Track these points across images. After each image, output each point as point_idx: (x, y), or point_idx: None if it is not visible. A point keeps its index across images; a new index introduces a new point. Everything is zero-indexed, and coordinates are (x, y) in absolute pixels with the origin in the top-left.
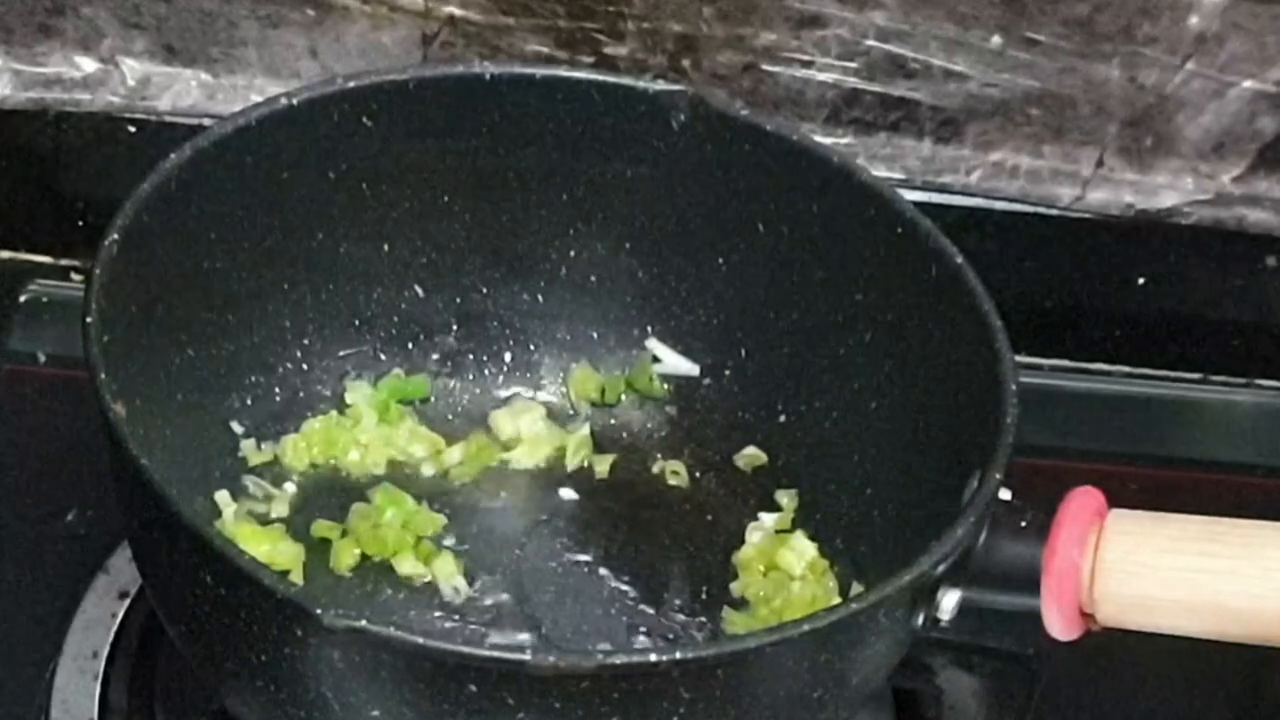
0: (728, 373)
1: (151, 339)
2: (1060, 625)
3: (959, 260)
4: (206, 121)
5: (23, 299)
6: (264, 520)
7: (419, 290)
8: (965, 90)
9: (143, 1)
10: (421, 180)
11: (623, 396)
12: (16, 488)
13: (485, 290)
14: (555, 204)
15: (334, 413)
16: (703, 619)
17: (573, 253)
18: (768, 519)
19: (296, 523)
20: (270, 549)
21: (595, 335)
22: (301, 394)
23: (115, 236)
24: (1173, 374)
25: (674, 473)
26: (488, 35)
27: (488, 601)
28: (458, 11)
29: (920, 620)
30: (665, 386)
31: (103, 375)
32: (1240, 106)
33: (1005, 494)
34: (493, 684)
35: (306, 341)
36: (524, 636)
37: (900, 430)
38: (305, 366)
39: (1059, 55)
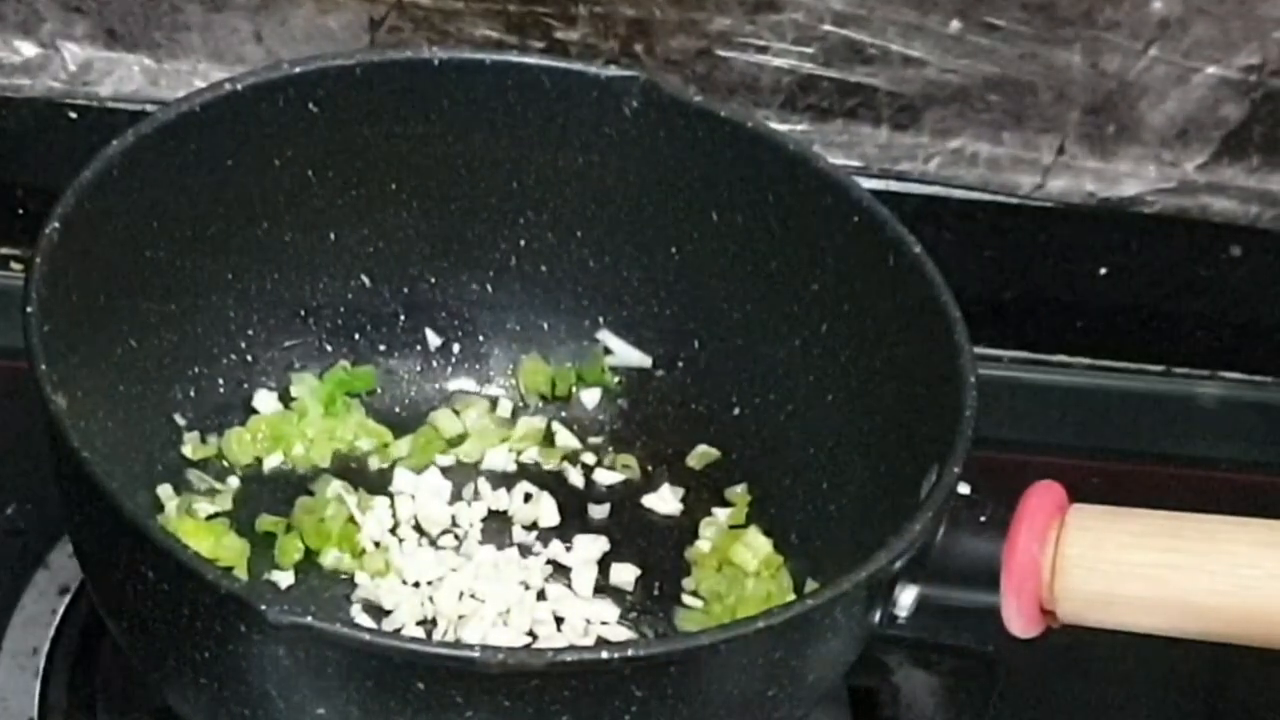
0: (681, 364)
1: (93, 329)
2: (1020, 622)
3: (917, 250)
4: (149, 107)
5: None
6: (207, 515)
7: (365, 280)
8: (923, 76)
9: None
10: (368, 168)
11: (573, 388)
12: None
13: (433, 280)
14: (505, 192)
15: (279, 405)
16: (655, 615)
17: (522, 242)
18: (721, 514)
19: (240, 517)
20: (214, 544)
21: (545, 326)
22: (245, 386)
23: (56, 225)
24: (1135, 366)
25: (625, 466)
26: (436, 20)
27: None
28: None
29: (877, 617)
30: (617, 378)
31: (43, 366)
32: (1204, 93)
33: (964, 488)
34: (441, 681)
35: (251, 332)
36: None
37: (857, 423)
38: (250, 358)
39: (1019, 40)
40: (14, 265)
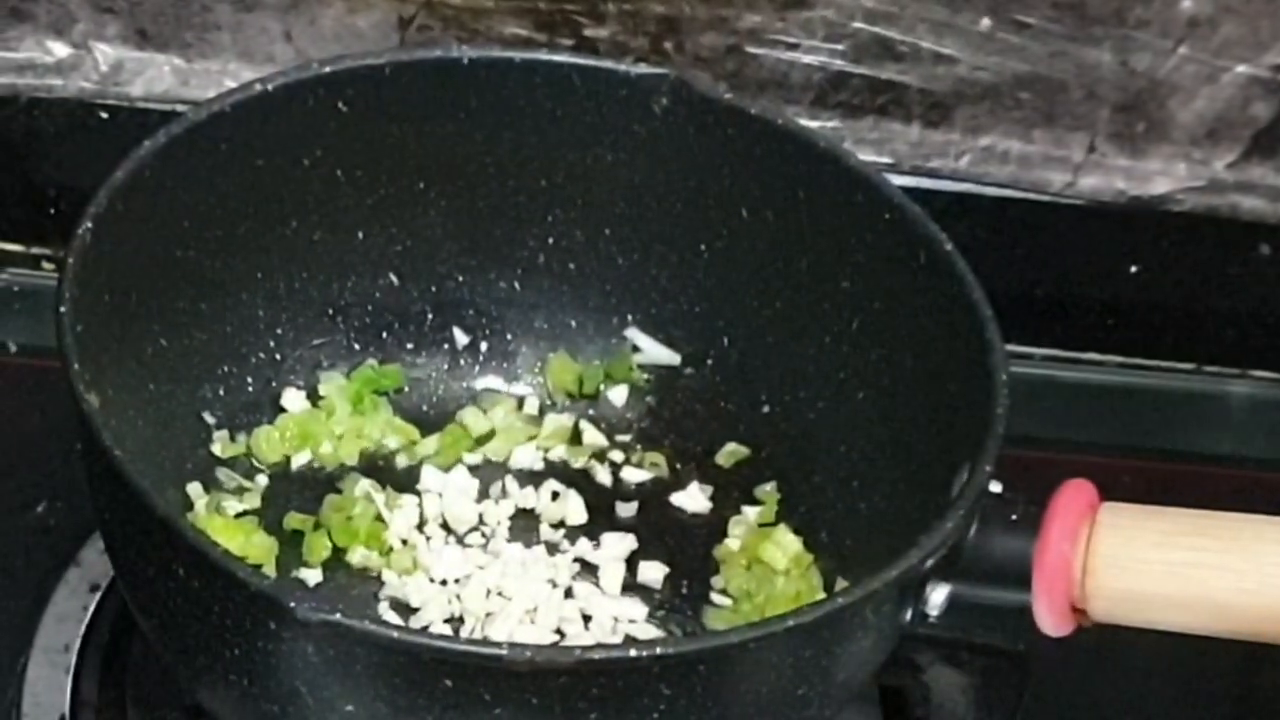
0: (710, 362)
1: (124, 329)
2: (1051, 621)
3: (948, 247)
4: (180, 108)
5: None
6: (236, 512)
7: (394, 278)
8: (954, 74)
9: None
10: (397, 166)
11: (601, 386)
12: None
13: (461, 278)
14: (533, 190)
15: (307, 404)
16: (683, 614)
17: (551, 240)
18: (750, 512)
19: (268, 515)
20: (243, 541)
21: (574, 324)
22: (274, 384)
23: (89, 225)
24: (1166, 364)
25: (653, 464)
26: (465, 18)
27: None
28: None
29: (908, 616)
30: (645, 376)
31: (76, 366)
32: (1234, 92)
33: (995, 486)
34: (469, 679)
35: (279, 331)
36: None
37: (887, 421)
38: (278, 357)
39: (1050, 38)
40: (46, 265)
